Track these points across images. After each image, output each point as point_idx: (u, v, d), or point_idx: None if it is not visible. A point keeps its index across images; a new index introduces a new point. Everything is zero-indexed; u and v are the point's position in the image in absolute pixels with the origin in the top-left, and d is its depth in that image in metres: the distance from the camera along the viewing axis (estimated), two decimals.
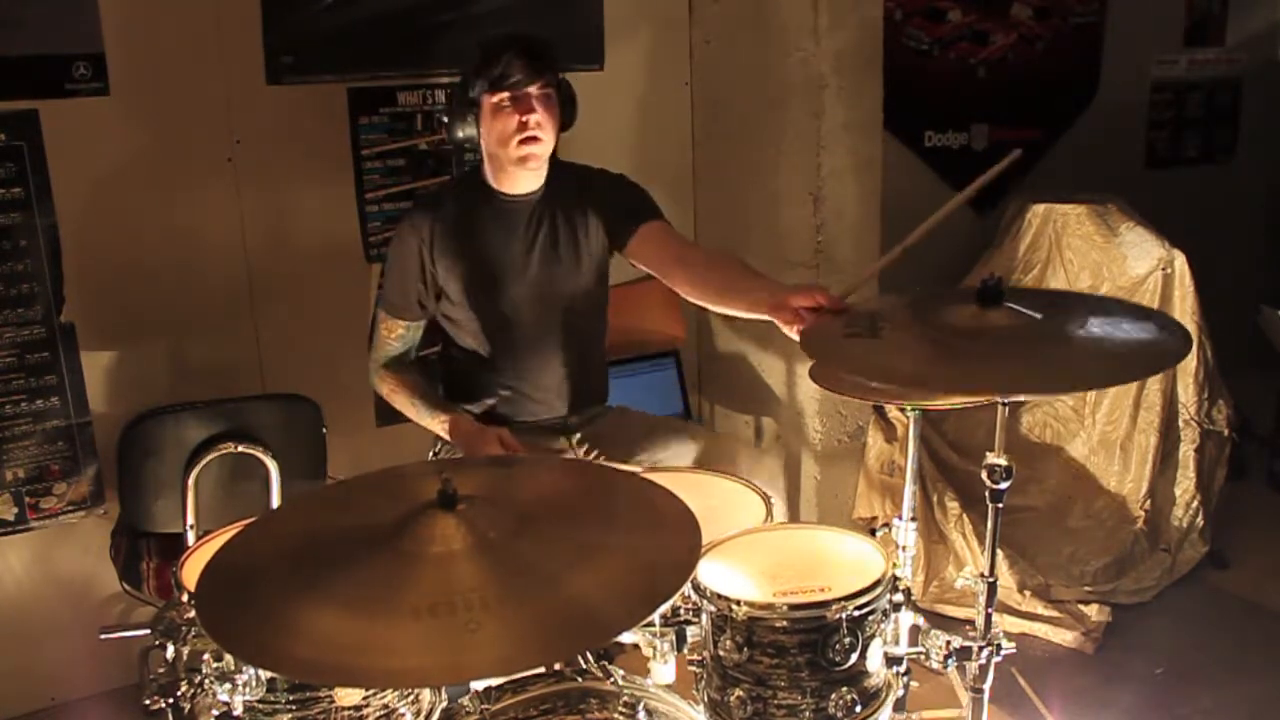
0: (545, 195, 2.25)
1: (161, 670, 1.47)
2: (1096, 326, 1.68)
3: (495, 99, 2.11)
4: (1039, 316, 1.67)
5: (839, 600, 1.48)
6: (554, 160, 2.24)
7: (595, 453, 2.30)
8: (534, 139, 2.12)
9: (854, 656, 1.48)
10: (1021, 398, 1.62)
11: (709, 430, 2.34)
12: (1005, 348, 1.63)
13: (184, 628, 1.50)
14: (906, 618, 1.67)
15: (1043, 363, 1.61)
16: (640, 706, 1.44)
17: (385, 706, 1.50)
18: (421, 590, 1.13)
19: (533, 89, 2.11)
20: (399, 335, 2.28)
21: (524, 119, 2.10)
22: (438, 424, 2.23)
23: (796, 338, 1.81)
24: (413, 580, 1.15)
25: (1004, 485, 1.65)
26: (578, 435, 2.34)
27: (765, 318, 1.93)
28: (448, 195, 2.29)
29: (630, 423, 2.38)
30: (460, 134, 2.18)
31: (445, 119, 2.21)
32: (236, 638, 1.13)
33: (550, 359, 2.27)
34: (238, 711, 1.41)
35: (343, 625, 1.10)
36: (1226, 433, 3.34)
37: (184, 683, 1.44)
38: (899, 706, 1.61)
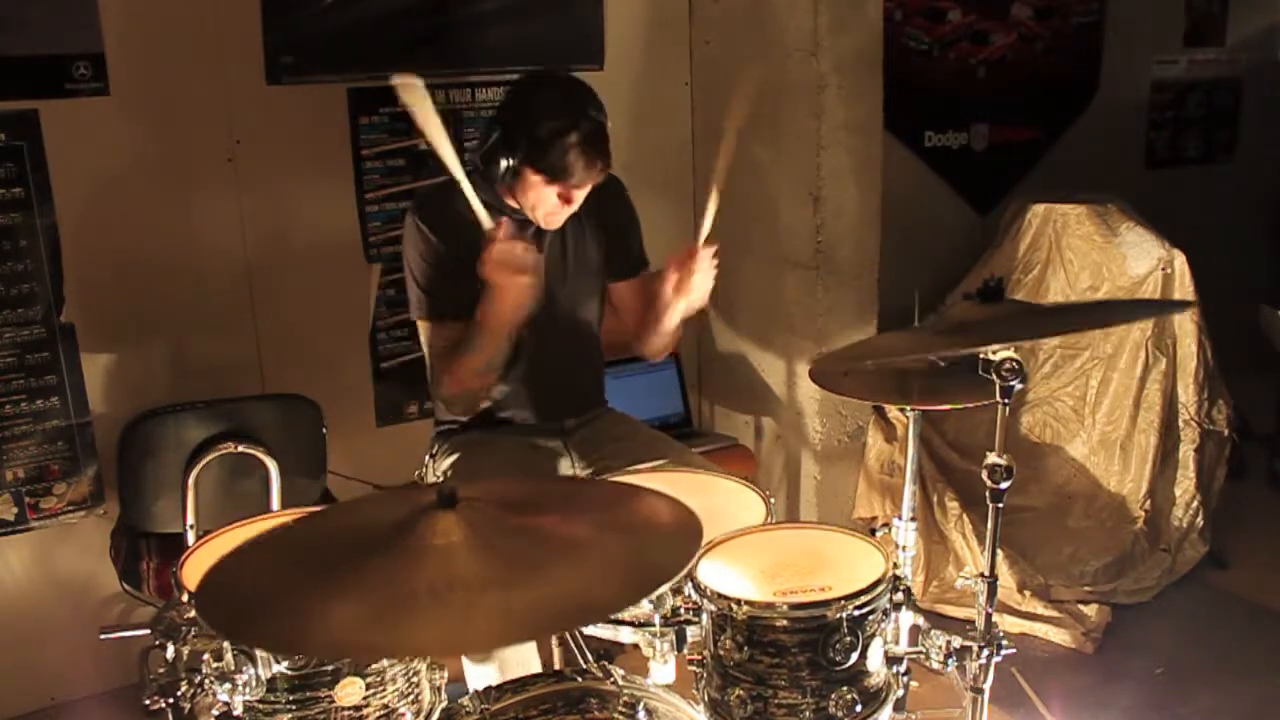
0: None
1: (161, 670, 1.47)
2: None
3: (540, 178, 2.03)
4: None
5: (839, 600, 1.48)
6: None
7: (586, 464, 2.28)
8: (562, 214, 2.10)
9: (854, 656, 1.48)
10: (1000, 346, 1.61)
11: (698, 458, 2.31)
12: (994, 324, 1.65)
13: (184, 628, 1.50)
14: (906, 618, 1.67)
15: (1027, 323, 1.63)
16: (640, 706, 1.44)
17: (385, 706, 1.50)
18: (422, 576, 1.14)
19: (584, 186, 2.06)
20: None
21: (564, 204, 2.07)
22: (490, 325, 2.03)
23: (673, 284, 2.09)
24: (413, 568, 1.16)
25: (1004, 485, 1.64)
26: (574, 438, 2.33)
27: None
28: (457, 198, 2.15)
29: (625, 432, 2.36)
30: (494, 184, 2.09)
31: (480, 163, 2.09)
32: (240, 622, 1.14)
33: (552, 365, 2.26)
34: (238, 711, 1.41)
35: (346, 611, 1.10)
36: (1226, 433, 3.34)
37: (184, 683, 1.44)
38: (899, 706, 1.61)
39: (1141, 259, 3.30)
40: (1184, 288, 3.25)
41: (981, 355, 1.60)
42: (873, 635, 1.51)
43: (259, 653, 1.39)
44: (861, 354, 1.90)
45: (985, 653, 1.67)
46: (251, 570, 1.24)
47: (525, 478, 2.08)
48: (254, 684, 1.41)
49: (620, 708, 1.44)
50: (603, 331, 2.40)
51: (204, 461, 2.32)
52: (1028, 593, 3.03)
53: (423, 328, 2.21)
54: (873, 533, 1.92)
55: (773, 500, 1.83)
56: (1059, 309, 1.94)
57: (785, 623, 1.47)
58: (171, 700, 1.42)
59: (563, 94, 2.06)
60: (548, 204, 2.08)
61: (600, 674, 1.52)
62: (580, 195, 2.10)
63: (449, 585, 1.11)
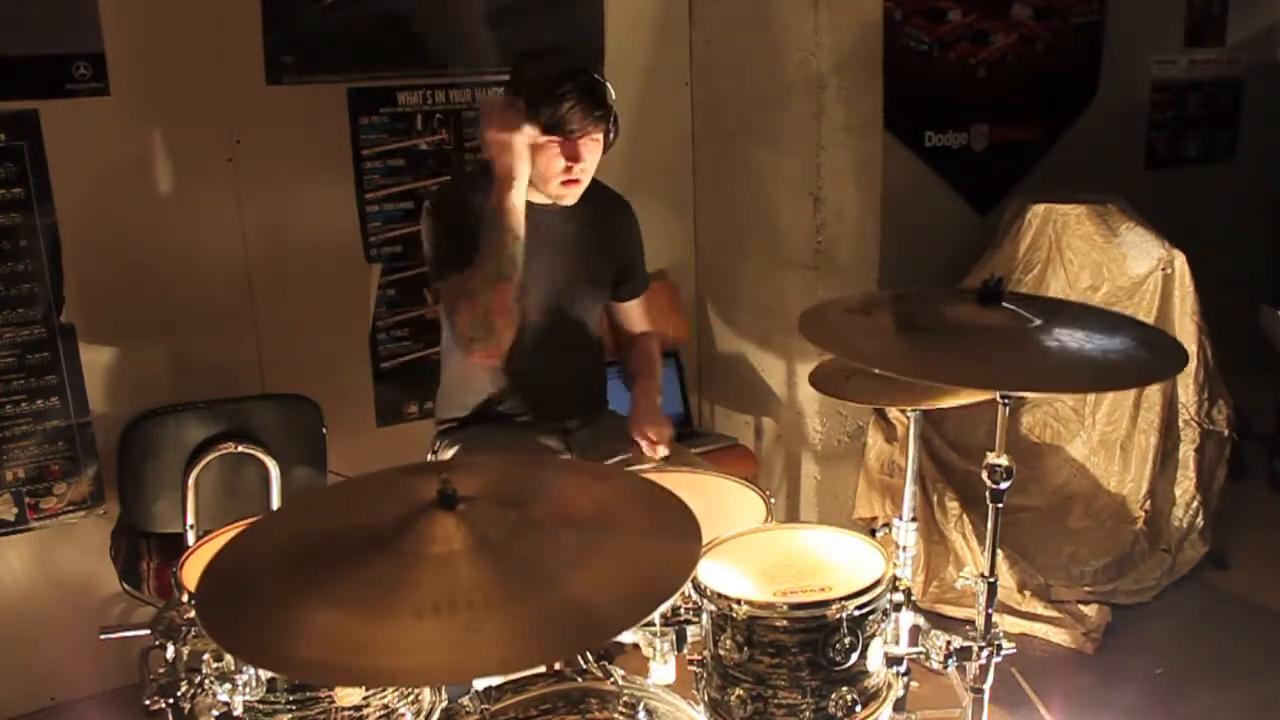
0: (565, 205, 2.25)
1: (161, 670, 1.47)
2: (1081, 340, 1.67)
3: (544, 139, 2.06)
4: (1037, 322, 1.67)
5: (839, 600, 1.48)
6: None
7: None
8: (576, 180, 2.12)
9: (854, 656, 1.48)
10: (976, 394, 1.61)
11: (698, 459, 2.32)
12: (986, 344, 1.63)
13: (184, 628, 1.50)
14: (906, 618, 1.67)
15: (1015, 361, 1.62)
16: (640, 706, 1.44)
17: (385, 706, 1.50)
18: (423, 590, 1.13)
19: (584, 138, 2.08)
20: None
21: (570, 165, 2.08)
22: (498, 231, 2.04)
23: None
24: (414, 580, 1.15)
25: (1004, 485, 1.65)
26: (575, 436, 2.34)
27: None
28: (471, 190, 2.21)
29: (626, 432, 2.36)
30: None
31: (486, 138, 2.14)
32: (237, 638, 1.13)
33: (555, 363, 2.27)
34: (238, 711, 1.41)
35: (344, 625, 1.10)
36: (1226, 433, 3.34)
37: (184, 683, 1.44)
38: (899, 706, 1.61)
39: (1141, 259, 3.30)
40: (1184, 288, 3.24)
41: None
42: (873, 635, 1.51)
43: None
44: (850, 357, 1.88)
45: (985, 653, 1.67)
46: (248, 572, 1.24)
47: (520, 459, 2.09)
48: (254, 684, 1.41)
49: (620, 708, 1.44)
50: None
51: (204, 461, 2.33)
52: (1028, 593, 3.03)
53: (439, 292, 2.22)
54: (873, 533, 1.92)
55: (773, 500, 1.83)
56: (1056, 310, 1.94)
57: (785, 623, 1.47)
58: (171, 700, 1.42)
59: (555, 55, 2.12)
60: (556, 167, 2.09)
61: (600, 674, 1.52)
62: (589, 156, 2.10)
63: (451, 603, 1.10)
